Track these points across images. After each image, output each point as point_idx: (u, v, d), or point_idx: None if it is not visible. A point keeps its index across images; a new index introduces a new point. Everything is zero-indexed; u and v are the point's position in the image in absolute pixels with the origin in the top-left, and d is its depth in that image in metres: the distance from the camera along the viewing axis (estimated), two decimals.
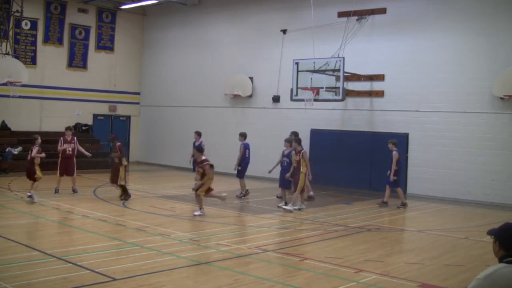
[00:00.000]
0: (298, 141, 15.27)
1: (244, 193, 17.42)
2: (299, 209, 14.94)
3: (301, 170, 14.69)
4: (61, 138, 17.10)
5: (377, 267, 9.09)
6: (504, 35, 17.51)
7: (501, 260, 4.04)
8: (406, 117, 19.38)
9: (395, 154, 16.21)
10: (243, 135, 17.74)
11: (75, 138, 17.57)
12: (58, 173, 16.77)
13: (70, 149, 16.99)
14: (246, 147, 17.57)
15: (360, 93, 20.30)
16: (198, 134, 19.03)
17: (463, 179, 18.13)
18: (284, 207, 14.90)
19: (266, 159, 19.40)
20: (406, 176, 19.36)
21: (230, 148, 22.54)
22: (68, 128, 17.57)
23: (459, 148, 18.24)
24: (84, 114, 26.76)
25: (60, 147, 16.88)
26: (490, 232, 4.23)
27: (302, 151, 14.95)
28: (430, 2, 19.19)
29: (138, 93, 29.10)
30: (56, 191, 16.55)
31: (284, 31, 22.76)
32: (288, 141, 15.67)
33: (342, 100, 18.78)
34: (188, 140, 26.28)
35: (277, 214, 14.38)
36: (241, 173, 17.53)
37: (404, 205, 16.41)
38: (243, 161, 17.46)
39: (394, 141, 16.56)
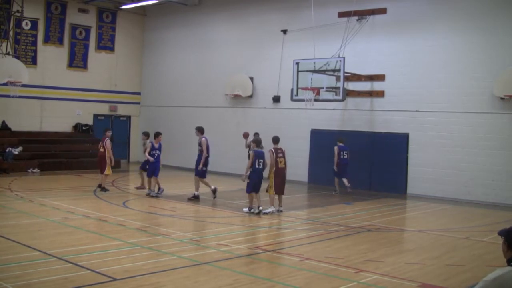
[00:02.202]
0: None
1: (157, 191, 16.92)
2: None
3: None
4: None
5: (377, 267, 9.09)
6: (504, 35, 17.51)
7: (509, 262, 4.03)
8: (407, 117, 19.40)
9: (335, 148, 18.67)
10: (146, 134, 18.21)
11: (106, 139, 17.43)
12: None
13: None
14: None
15: (361, 93, 20.31)
16: (146, 134, 18.54)
17: (463, 179, 18.14)
18: (264, 211, 14.20)
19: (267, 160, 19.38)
20: (406, 176, 19.38)
21: (230, 148, 22.56)
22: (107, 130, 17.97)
23: (460, 148, 18.24)
24: (84, 114, 26.80)
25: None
26: (500, 233, 4.22)
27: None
28: (430, 2, 19.20)
29: (138, 93, 29.13)
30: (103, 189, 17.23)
31: (285, 31, 22.77)
32: (255, 142, 14.94)
33: (343, 100, 18.78)
34: (189, 140, 26.32)
35: (277, 214, 14.36)
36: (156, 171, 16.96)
37: (336, 192, 18.90)
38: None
39: (339, 139, 19.01)
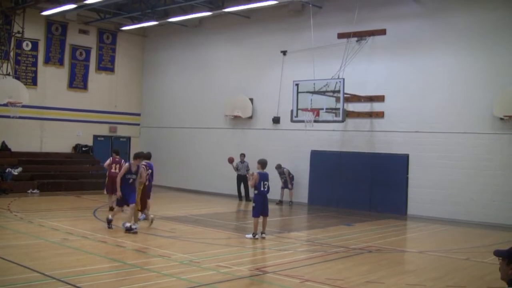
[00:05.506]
0: (142, 156, 14.65)
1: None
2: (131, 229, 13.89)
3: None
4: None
5: None
6: (504, 56, 17.60)
7: (510, 283, 3.99)
8: (406, 138, 19.41)
9: (286, 170, 21.20)
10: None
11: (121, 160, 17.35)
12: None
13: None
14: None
15: (360, 114, 20.35)
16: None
17: (463, 200, 18.10)
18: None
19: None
20: (406, 197, 19.34)
21: (230, 170, 22.50)
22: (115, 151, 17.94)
23: (459, 168, 18.23)
24: (84, 135, 26.81)
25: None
26: (498, 254, 4.15)
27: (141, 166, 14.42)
28: (429, 23, 19.33)
29: (138, 114, 29.18)
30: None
31: (284, 52, 22.90)
32: (260, 163, 14.28)
33: (342, 121, 18.83)
34: (188, 161, 26.33)
35: (277, 235, 14.31)
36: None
37: (281, 202, 21.46)
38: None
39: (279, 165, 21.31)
